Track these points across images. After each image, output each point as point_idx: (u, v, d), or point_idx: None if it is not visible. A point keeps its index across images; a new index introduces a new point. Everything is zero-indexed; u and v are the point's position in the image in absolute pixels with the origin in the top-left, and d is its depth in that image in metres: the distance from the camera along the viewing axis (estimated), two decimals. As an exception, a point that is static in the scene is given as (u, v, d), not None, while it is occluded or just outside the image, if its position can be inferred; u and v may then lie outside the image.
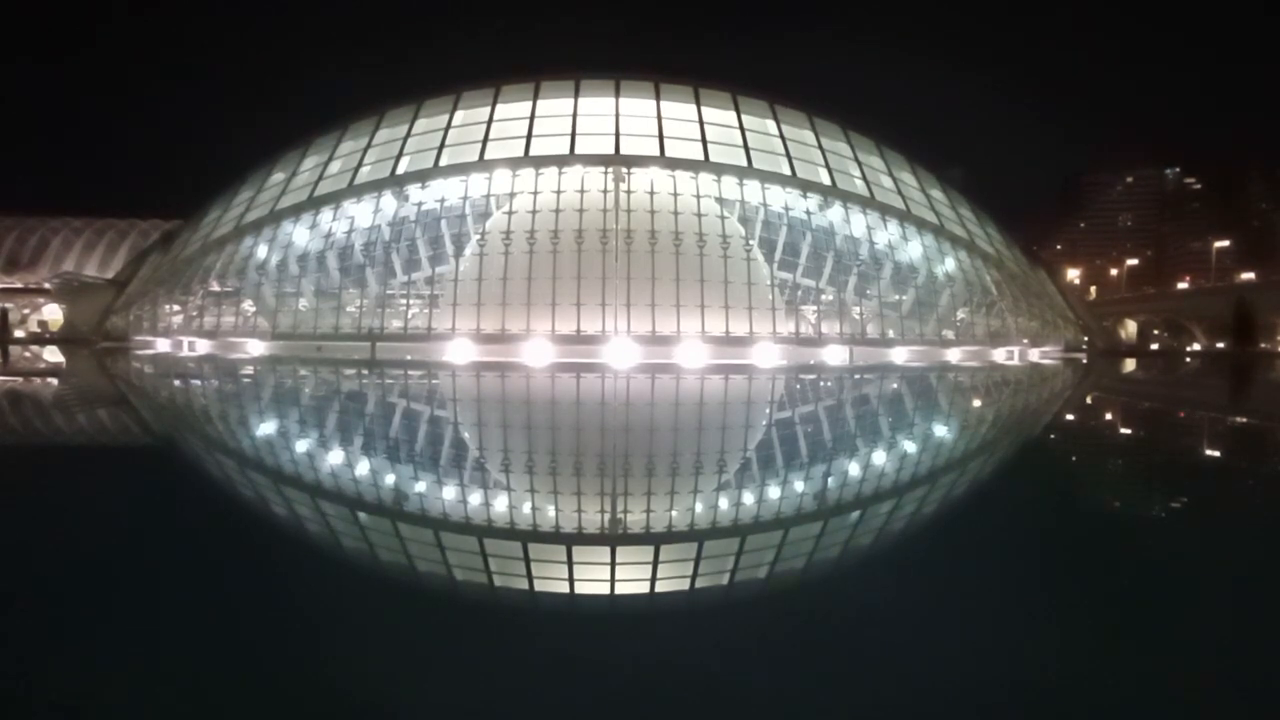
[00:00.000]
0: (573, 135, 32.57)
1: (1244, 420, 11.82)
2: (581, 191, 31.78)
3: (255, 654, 2.33)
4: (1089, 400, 14.86)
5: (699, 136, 33.17)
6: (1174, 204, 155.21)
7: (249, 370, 20.64)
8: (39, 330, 63.62)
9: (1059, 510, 4.70)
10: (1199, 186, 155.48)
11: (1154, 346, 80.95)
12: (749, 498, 4.88)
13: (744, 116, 34.37)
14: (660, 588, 3.27)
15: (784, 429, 8.90)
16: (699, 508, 4.63)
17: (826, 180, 34.04)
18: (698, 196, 32.00)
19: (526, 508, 4.57)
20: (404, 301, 33.61)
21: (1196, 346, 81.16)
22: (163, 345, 35.95)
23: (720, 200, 32.44)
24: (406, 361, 26.97)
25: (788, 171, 33.52)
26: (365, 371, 20.32)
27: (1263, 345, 71.10)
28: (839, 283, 33.97)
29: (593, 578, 3.36)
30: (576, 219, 31.12)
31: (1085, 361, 35.66)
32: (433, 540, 3.87)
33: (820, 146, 34.84)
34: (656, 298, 30.40)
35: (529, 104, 33.84)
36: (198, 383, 16.66)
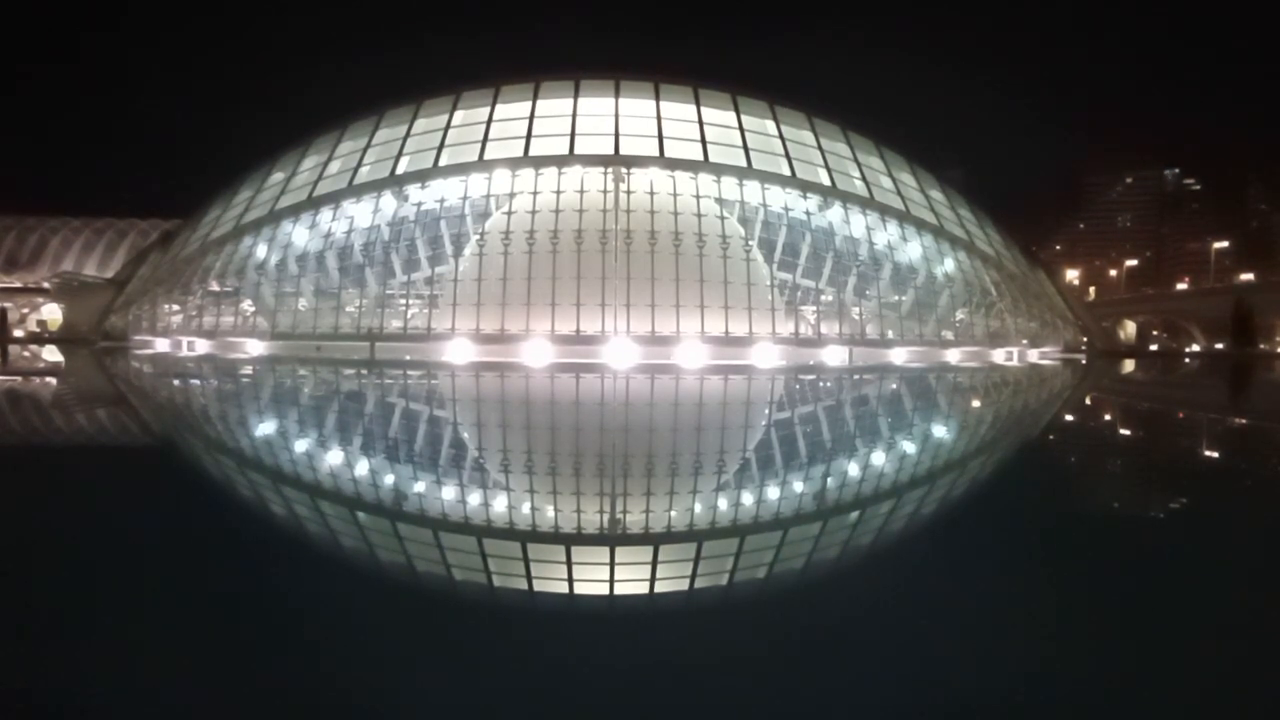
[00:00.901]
0: (572, 135, 32.59)
1: (1242, 421, 11.83)
2: (581, 192, 31.79)
3: (254, 654, 2.33)
4: (1088, 401, 14.87)
5: (698, 137, 33.19)
6: (1173, 205, 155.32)
7: (248, 370, 20.64)
8: (38, 330, 63.58)
9: (1057, 511, 4.70)
10: (1198, 187, 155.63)
11: (1153, 347, 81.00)
12: (748, 498, 4.88)
13: (743, 117, 34.40)
14: (659, 588, 3.27)
15: (783, 430, 8.90)
16: (698, 508, 4.63)
17: (826, 181, 34.06)
18: (697, 197, 32.01)
19: (525, 508, 4.57)
20: (403, 301, 33.62)
21: (1195, 347, 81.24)
22: (162, 345, 35.94)
23: (720, 201, 32.46)
24: (406, 361, 26.97)
25: (787, 172, 33.54)
26: (364, 371, 20.32)
27: (1261, 346, 71.16)
28: (838, 283, 33.99)
29: (592, 578, 3.36)
30: (576, 219, 31.14)
31: (1084, 362, 35.68)
32: (431, 540, 3.87)
33: (820, 147, 34.86)
34: (656, 298, 30.41)
35: (528, 104, 33.85)
36: (197, 382, 16.66)
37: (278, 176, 36.59)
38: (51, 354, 31.71)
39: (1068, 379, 22.15)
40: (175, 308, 37.82)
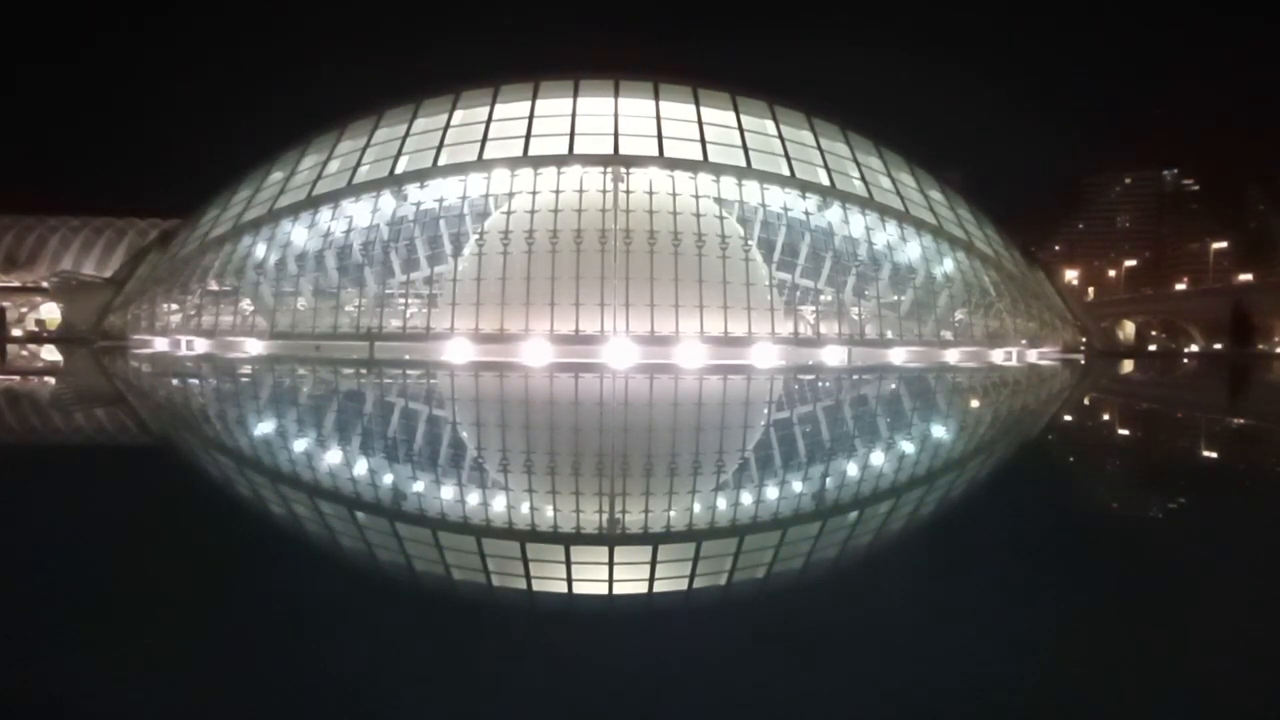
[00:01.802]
0: (571, 135, 32.57)
1: (1240, 422, 11.84)
2: (580, 191, 31.77)
3: (252, 654, 2.32)
4: (1086, 402, 14.88)
5: (698, 137, 33.18)
6: (1172, 205, 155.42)
7: (246, 370, 20.62)
8: (36, 329, 63.49)
9: (1055, 511, 4.70)
10: (1197, 188, 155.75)
11: (1151, 348, 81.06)
12: (747, 498, 4.88)
13: (743, 117, 34.39)
14: (658, 588, 3.27)
15: (781, 430, 8.90)
16: (697, 508, 4.63)
17: (825, 181, 34.06)
18: (696, 197, 32.01)
19: (525, 508, 4.57)
20: (402, 301, 33.60)
21: (1194, 348, 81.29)
22: (161, 344, 35.90)
23: (719, 200, 32.45)
24: (405, 361, 26.96)
25: (786, 172, 33.54)
26: (363, 371, 20.31)
27: (1260, 346, 71.23)
28: (837, 283, 33.99)
29: (591, 578, 3.36)
30: (575, 219, 31.12)
31: (1083, 363, 35.70)
32: (430, 540, 3.86)
33: (819, 147, 34.86)
34: (655, 298, 30.41)
35: (528, 104, 33.83)
36: (195, 382, 16.64)
37: (277, 176, 36.54)
38: (50, 353, 31.68)
39: (1066, 379, 22.16)
40: (174, 307, 37.76)
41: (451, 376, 18.54)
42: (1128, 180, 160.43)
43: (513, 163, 32.43)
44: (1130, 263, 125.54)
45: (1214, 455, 7.95)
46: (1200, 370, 35.49)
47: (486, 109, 34.06)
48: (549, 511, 4.47)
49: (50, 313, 60.59)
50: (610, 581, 3.33)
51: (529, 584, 3.23)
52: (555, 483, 5.29)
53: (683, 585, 3.30)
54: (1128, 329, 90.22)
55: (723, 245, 31.38)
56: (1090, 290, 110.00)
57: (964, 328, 36.73)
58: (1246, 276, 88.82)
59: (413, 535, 3.93)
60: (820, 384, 17.54)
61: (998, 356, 35.64)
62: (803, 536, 4.02)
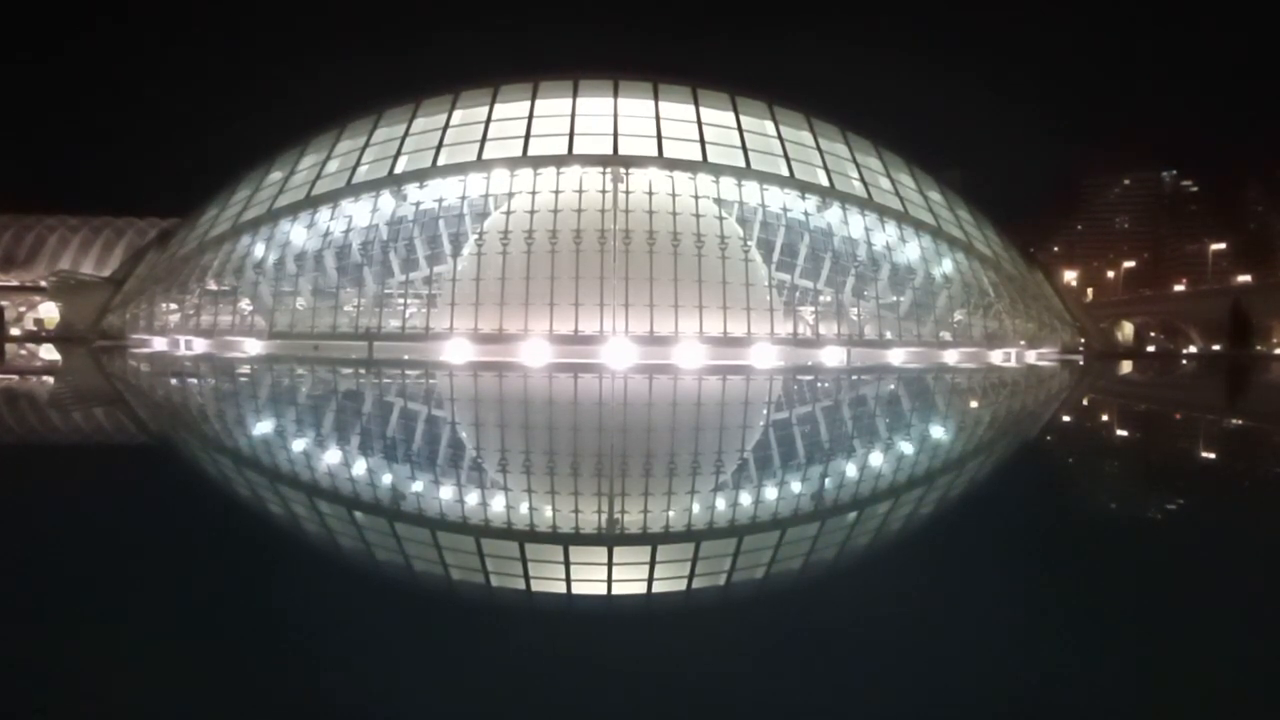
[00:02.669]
0: (571, 135, 32.57)
1: (1238, 422, 11.84)
2: (580, 192, 31.77)
3: (250, 654, 2.32)
4: (1085, 403, 14.89)
5: (697, 137, 33.18)
6: (1171, 206, 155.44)
7: (245, 369, 20.61)
8: (35, 328, 63.44)
9: (1054, 512, 4.70)
10: (1196, 189, 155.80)
11: (1150, 349, 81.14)
12: (746, 498, 4.88)
13: (742, 117, 34.39)
14: (657, 588, 3.27)
15: (780, 430, 8.90)
16: (696, 508, 4.63)
17: (825, 181, 34.07)
18: (696, 197, 32.01)
19: (523, 508, 4.57)
20: (401, 301, 33.58)
21: (1192, 349, 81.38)
22: (159, 344, 35.88)
23: (718, 201, 32.46)
24: (404, 361, 26.96)
25: (786, 172, 33.54)
26: (362, 371, 20.30)
27: (1258, 348, 71.32)
28: (837, 284, 34.00)
29: (590, 578, 3.36)
30: (574, 219, 31.12)
31: (1082, 363, 35.73)
32: (429, 540, 3.86)
33: (818, 148, 34.87)
34: (654, 298, 30.41)
35: (527, 104, 33.83)
36: (194, 382, 16.63)
37: (276, 175, 36.52)
38: (49, 352, 31.65)
39: (1065, 380, 22.18)
40: (173, 306, 37.72)
41: (450, 377, 18.53)
42: (1127, 181, 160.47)
43: (512, 163, 32.42)
44: (1129, 264, 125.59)
45: (1212, 456, 7.96)
46: (1199, 371, 35.52)
47: (486, 109, 34.05)
48: (547, 512, 4.47)
49: (49, 312, 60.56)
50: (609, 582, 3.32)
51: (527, 585, 3.22)
52: (554, 483, 5.29)
53: (681, 586, 3.29)
54: (1126, 330, 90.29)
55: (722, 246, 31.39)
56: (1089, 291, 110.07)
57: (963, 328, 36.75)
58: (1245, 278, 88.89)
59: (410, 536, 3.93)
60: (819, 384, 17.54)
61: (996, 357, 35.66)
62: (801, 537, 4.02)
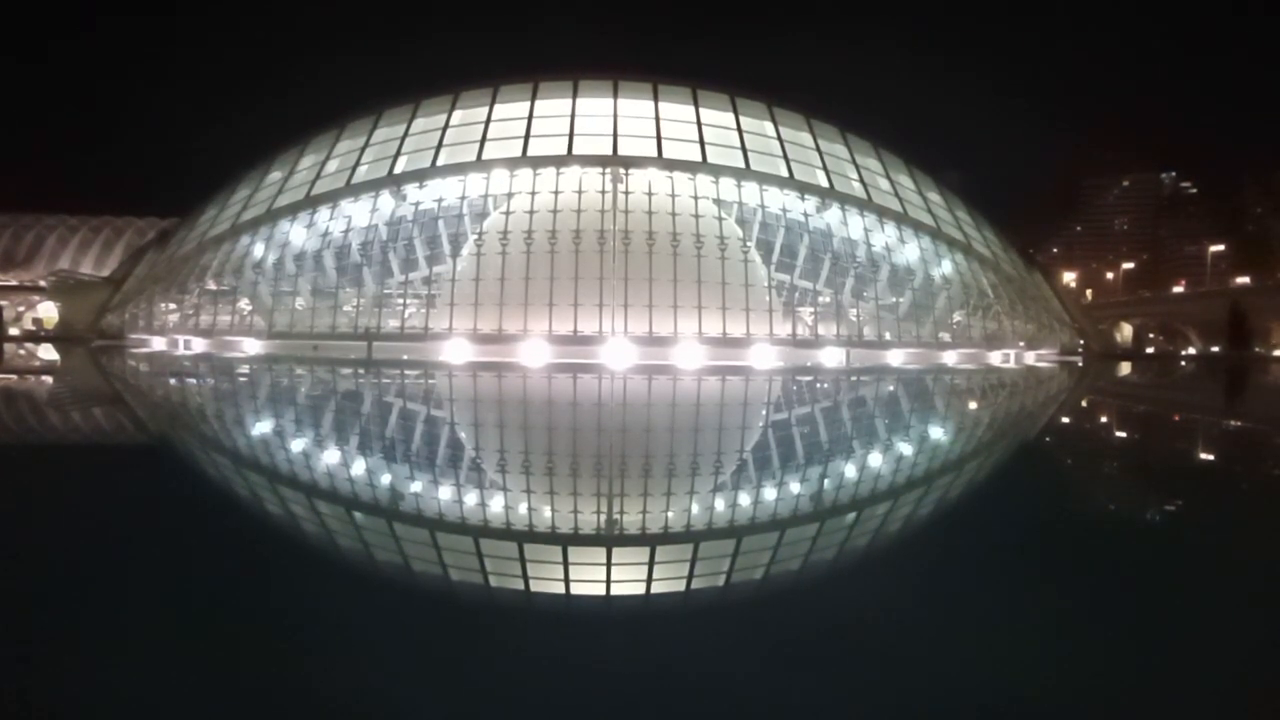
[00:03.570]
0: (570, 136, 32.57)
1: (1237, 424, 11.85)
2: (579, 192, 31.77)
3: (248, 654, 2.32)
4: (1084, 404, 14.89)
5: (697, 138, 33.19)
6: (1170, 208, 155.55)
7: (244, 369, 20.60)
8: (34, 328, 63.39)
9: (1053, 514, 4.71)
10: (1195, 191, 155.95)
11: (1149, 350, 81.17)
12: (745, 499, 4.89)
13: (742, 118, 34.40)
14: (656, 589, 3.27)
15: (779, 431, 8.90)
16: (695, 509, 4.63)
17: (824, 182, 34.08)
18: (695, 198, 32.01)
19: (522, 508, 4.57)
20: (401, 301, 33.57)
21: (1191, 350, 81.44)
22: (158, 343, 35.86)
23: (718, 201, 32.46)
24: (403, 361, 26.95)
25: (785, 173, 33.55)
26: (361, 371, 20.30)
27: (1257, 349, 71.37)
28: (836, 284, 34.01)
29: (589, 579, 3.36)
30: (574, 219, 31.11)
31: (1081, 365, 35.75)
32: (428, 540, 3.86)
33: (818, 148, 34.88)
34: (654, 298, 30.40)
35: (527, 104, 33.83)
36: (193, 381, 16.63)
37: (275, 175, 36.51)
38: (47, 352, 31.63)
39: (1064, 381, 22.19)
40: (172, 306, 37.70)
41: (449, 377, 18.53)
42: (1126, 183, 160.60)
43: (512, 163, 32.42)
44: (1128, 265, 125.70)
45: (1210, 458, 7.96)
46: (1198, 373, 35.54)
47: (485, 109, 34.05)
48: (546, 512, 4.47)
49: (48, 312, 60.51)
50: (608, 583, 3.32)
51: (526, 585, 3.22)
52: (553, 484, 5.29)
53: (680, 586, 3.30)
54: (1125, 331, 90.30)
55: (721, 246, 31.39)
56: (1088, 292, 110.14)
57: (962, 329, 36.77)
58: (1244, 279, 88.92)
59: (409, 536, 3.93)
60: (818, 385, 17.55)
61: (995, 358, 35.68)
62: (800, 538, 4.02)
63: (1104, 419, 11.97)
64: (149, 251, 42.69)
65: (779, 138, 34.46)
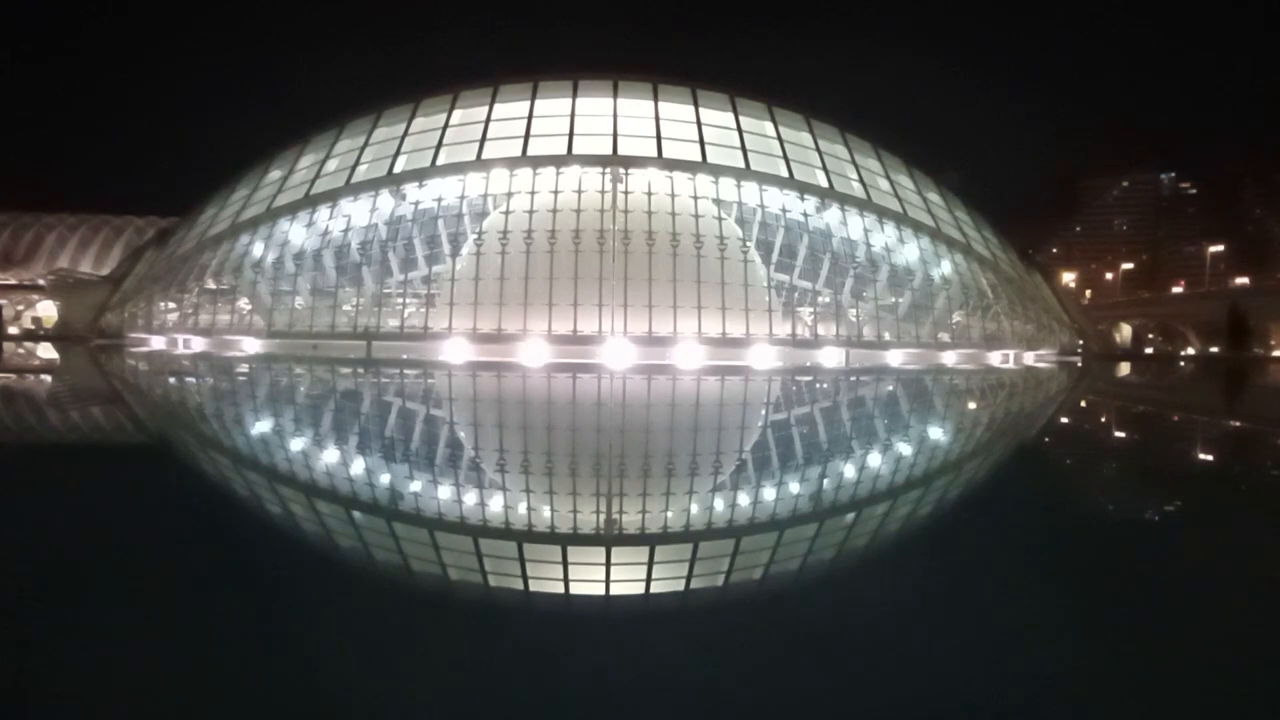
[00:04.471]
0: (570, 135, 32.55)
1: (1236, 425, 11.86)
2: (579, 192, 31.75)
3: (248, 654, 2.32)
4: (1083, 404, 14.90)
5: (697, 138, 33.17)
6: (1169, 208, 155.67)
7: (244, 368, 20.60)
8: (33, 327, 63.34)
9: (1052, 514, 4.71)
10: (1194, 191, 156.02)
11: (1148, 350, 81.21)
12: (744, 499, 4.89)
13: (742, 118, 34.39)
14: (655, 589, 3.27)
15: (778, 431, 8.91)
16: (694, 509, 4.64)
17: (824, 182, 34.07)
18: (695, 198, 32.00)
19: (522, 508, 4.57)
20: (400, 300, 33.54)
21: (1190, 351, 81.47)
22: (158, 342, 35.85)
23: (718, 201, 32.45)
24: (402, 361, 26.95)
25: (785, 173, 33.54)
26: (361, 370, 20.29)
27: (1256, 350, 71.41)
28: (835, 285, 34.00)
29: (588, 579, 3.36)
30: (574, 219, 31.09)
31: (1080, 365, 35.76)
32: (426, 540, 3.86)
33: (818, 149, 34.87)
34: (653, 298, 30.39)
35: (527, 104, 33.81)
36: (192, 380, 16.62)
37: (275, 174, 36.49)
38: (46, 351, 31.61)
39: (1063, 382, 22.20)
40: (171, 305, 37.67)
41: (449, 376, 18.53)
42: (1125, 183, 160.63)
43: (511, 163, 32.40)
44: (1127, 265, 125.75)
45: (1209, 458, 7.97)
46: (1197, 373, 35.56)
47: (485, 109, 34.03)
48: (546, 512, 4.47)
49: (47, 310, 60.47)
50: (607, 583, 3.33)
51: (525, 585, 3.23)
52: (552, 484, 5.29)
53: (679, 586, 3.30)
54: (1124, 332, 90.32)
55: (721, 246, 31.37)
56: (1087, 293, 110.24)
57: (961, 330, 36.76)
58: (1243, 280, 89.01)
59: (408, 536, 3.93)
60: (817, 385, 17.55)
61: (995, 359, 35.69)
62: (799, 538, 4.02)
63: (1103, 419, 11.98)
64: (148, 250, 42.65)
65: (779, 138, 34.45)
